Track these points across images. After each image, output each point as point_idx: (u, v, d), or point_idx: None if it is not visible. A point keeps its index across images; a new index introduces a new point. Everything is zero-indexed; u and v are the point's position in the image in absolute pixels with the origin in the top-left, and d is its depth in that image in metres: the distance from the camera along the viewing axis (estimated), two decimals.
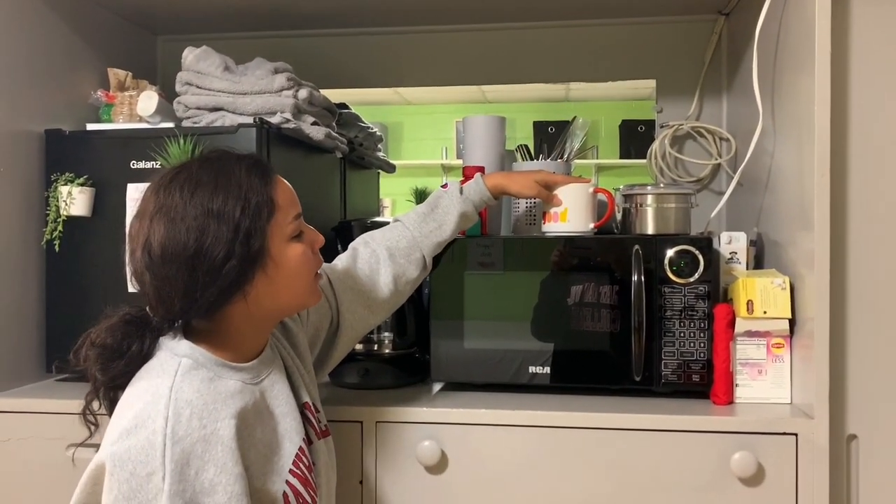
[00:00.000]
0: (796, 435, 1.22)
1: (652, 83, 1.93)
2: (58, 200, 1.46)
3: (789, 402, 1.32)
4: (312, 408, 1.13)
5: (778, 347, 1.32)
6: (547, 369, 1.40)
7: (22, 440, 1.38)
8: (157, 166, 1.43)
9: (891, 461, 1.25)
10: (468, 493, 1.29)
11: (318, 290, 1.09)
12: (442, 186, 1.37)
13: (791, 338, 1.32)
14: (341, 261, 1.31)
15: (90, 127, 1.55)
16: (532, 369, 1.40)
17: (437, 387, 1.47)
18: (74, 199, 1.44)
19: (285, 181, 1.05)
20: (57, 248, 1.47)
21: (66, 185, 1.45)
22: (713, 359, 1.33)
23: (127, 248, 1.00)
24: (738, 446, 1.23)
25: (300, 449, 1.04)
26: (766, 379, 1.32)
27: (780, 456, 1.22)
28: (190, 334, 1.01)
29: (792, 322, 1.31)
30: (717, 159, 1.80)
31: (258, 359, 1.05)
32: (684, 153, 1.83)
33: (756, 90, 1.40)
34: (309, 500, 1.03)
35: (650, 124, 1.97)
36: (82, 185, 1.46)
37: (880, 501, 1.25)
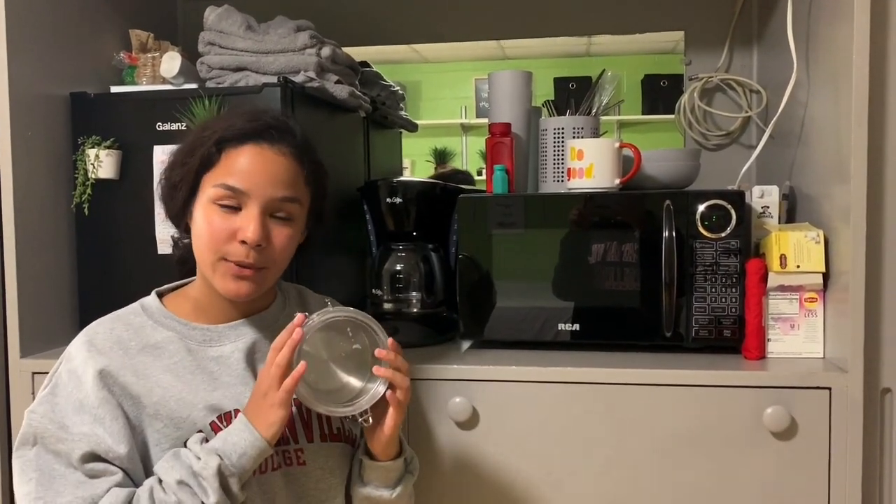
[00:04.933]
0: (830, 389, 1.22)
1: (675, 36, 1.89)
2: (85, 164, 1.46)
3: (822, 356, 1.31)
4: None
5: (811, 302, 1.31)
6: (576, 326, 1.40)
7: None
8: (183, 128, 1.42)
9: None
10: (499, 447, 1.30)
11: (228, 280, 1.02)
12: None
13: (824, 292, 1.30)
14: None
15: (115, 89, 1.54)
16: (561, 326, 1.40)
17: (465, 345, 1.48)
18: (102, 162, 1.45)
19: (265, 161, 1.01)
20: (86, 211, 1.48)
21: (93, 147, 1.45)
22: (745, 314, 1.32)
23: None
24: (771, 401, 1.22)
25: (226, 415, 1.03)
26: (798, 333, 1.31)
27: (813, 410, 1.22)
28: (170, 294, 1.12)
29: (825, 276, 1.30)
30: (747, 112, 1.77)
31: (230, 324, 1.07)
32: (713, 106, 1.80)
33: (790, 40, 1.36)
34: None
35: (673, 79, 1.95)
36: (109, 147, 1.46)
37: None
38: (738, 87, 1.78)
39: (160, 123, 1.45)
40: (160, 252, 1.46)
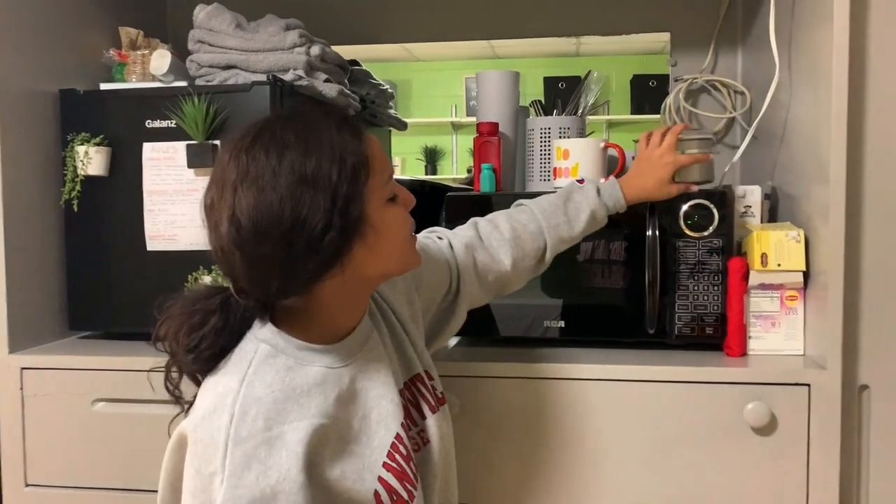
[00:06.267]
0: (809, 385, 1.24)
1: (664, 37, 1.91)
2: (75, 160, 1.47)
3: (802, 353, 1.33)
4: (425, 377, 1.06)
5: (791, 300, 1.33)
6: (561, 323, 1.42)
7: (48, 395, 1.42)
8: (173, 125, 1.43)
9: None
10: (484, 443, 1.32)
11: (416, 251, 0.99)
12: (578, 181, 1.30)
13: (804, 290, 1.33)
14: (461, 229, 1.24)
15: (104, 86, 1.55)
16: (547, 323, 1.42)
17: (452, 341, 1.49)
18: (91, 159, 1.45)
19: (374, 137, 0.92)
20: (75, 207, 1.49)
21: (82, 144, 1.46)
22: (727, 312, 1.34)
23: (205, 223, 0.88)
24: (752, 397, 1.24)
25: (397, 436, 0.93)
26: (779, 331, 1.34)
27: (792, 406, 1.24)
28: (276, 315, 0.92)
29: (806, 275, 1.32)
30: (731, 113, 1.79)
31: (352, 335, 0.95)
32: (698, 107, 1.82)
33: (773, 42, 1.38)
34: (405, 496, 0.92)
35: (661, 79, 1.96)
36: (98, 144, 1.46)
37: (890, 450, 1.27)
38: (722, 88, 1.80)
39: (149, 120, 1.46)
40: (149, 249, 1.47)
